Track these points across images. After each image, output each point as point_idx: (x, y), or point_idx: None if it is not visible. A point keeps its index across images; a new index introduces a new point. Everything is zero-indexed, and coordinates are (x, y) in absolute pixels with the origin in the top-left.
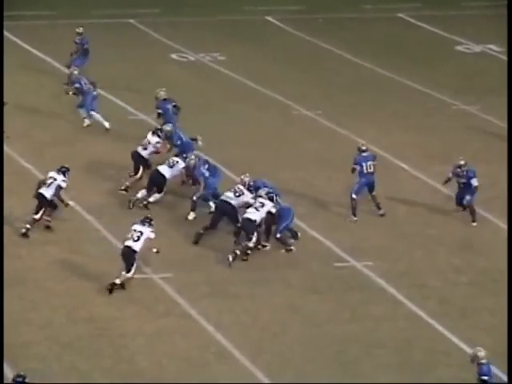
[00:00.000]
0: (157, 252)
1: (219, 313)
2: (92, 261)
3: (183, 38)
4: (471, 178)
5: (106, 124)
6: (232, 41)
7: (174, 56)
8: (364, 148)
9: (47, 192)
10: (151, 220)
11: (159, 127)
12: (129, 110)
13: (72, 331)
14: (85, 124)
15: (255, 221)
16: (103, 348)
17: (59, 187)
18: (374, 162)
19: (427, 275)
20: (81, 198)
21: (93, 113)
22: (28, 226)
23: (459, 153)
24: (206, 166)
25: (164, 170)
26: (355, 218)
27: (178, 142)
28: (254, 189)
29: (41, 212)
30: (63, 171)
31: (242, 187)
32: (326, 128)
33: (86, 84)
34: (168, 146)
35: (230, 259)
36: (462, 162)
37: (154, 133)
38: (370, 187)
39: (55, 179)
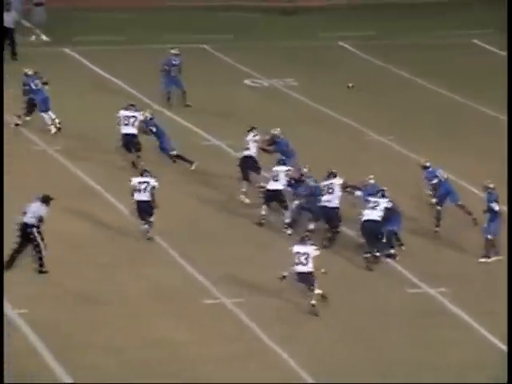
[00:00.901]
0: (324, 273)
1: (289, 336)
2: (161, 285)
3: (256, 63)
4: (491, 201)
5: (53, 129)
6: (305, 66)
7: (247, 81)
8: (428, 164)
9: (145, 196)
10: (309, 238)
11: (255, 126)
12: (202, 134)
13: (142, 355)
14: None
15: (378, 221)
16: (173, 373)
17: (153, 188)
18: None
19: (500, 301)
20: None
21: (43, 114)
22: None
23: None
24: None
25: (273, 185)
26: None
27: (284, 149)
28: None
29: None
30: (148, 173)
31: (327, 182)
32: (397, 153)
33: (36, 85)
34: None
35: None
36: (487, 184)
37: (249, 131)
38: (451, 195)
39: (148, 182)
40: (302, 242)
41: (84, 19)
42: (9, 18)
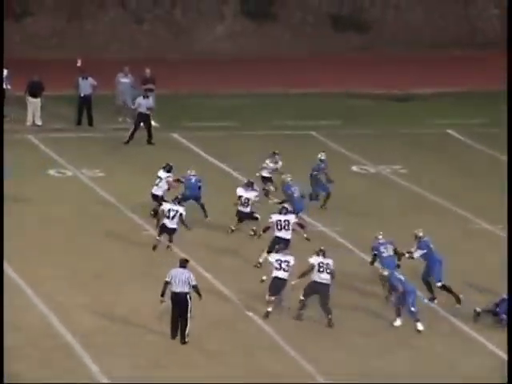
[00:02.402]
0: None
1: None
2: (266, 369)
3: (364, 150)
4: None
5: None
6: (413, 153)
7: (354, 168)
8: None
9: (172, 224)
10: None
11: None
12: (307, 220)
13: None
14: None
15: None
16: None
17: (181, 215)
18: None
19: None
20: (258, 307)
21: None
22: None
23: None
24: None
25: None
26: None
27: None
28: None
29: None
30: (179, 201)
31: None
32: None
33: None
34: None
35: None
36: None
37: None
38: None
39: (177, 210)
40: (280, 251)
41: (193, 105)
42: (146, 104)
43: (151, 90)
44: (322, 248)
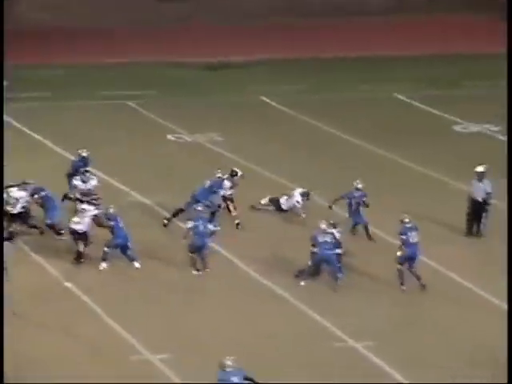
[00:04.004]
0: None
1: None
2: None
3: (179, 118)
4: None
5: None
6: (229, 122)
7: (170, 137)
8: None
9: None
10: None
11: None
12: (128, 192)
13: None
14: None
15: None
16: None
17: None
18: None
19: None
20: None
21: None
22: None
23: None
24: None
25: None
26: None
27: None
28: None
29: None
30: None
31: None
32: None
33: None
34: None
35: None
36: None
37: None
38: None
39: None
40: None
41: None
42: None
43: None
44: None
